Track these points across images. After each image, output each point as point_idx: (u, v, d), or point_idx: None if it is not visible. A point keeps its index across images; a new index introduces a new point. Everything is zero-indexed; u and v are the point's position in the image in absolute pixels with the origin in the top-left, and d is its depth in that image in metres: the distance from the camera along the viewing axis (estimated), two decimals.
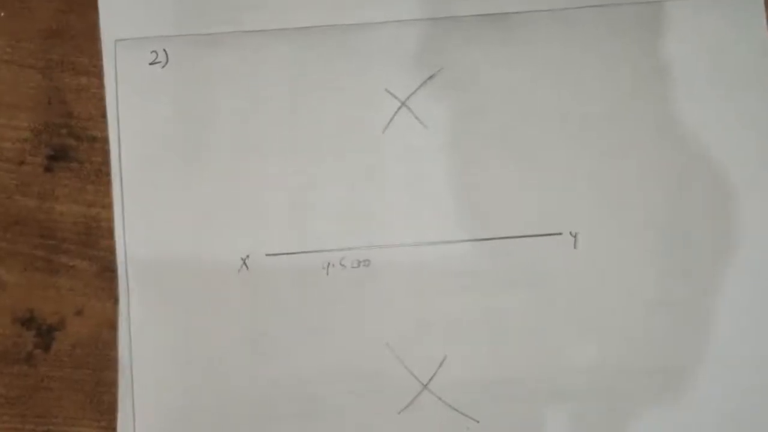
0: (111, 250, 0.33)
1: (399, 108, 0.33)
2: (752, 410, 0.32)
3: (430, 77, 0.33)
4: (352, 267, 0.32)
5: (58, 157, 0.33)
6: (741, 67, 0.33)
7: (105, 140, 0.33)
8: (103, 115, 0.33)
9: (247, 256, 0.32)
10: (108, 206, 0.33)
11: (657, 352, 0.32)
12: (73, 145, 0.33)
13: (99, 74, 0.33)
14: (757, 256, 0.32)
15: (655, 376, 0.32)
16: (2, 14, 0.34)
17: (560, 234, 0.32)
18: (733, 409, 0.32)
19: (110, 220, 0.33)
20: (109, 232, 0.33)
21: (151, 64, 0.33)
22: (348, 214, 0.32)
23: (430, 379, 0.32)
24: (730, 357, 0.32)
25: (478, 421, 0.32)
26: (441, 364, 0.32)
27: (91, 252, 0.33)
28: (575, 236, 0.32)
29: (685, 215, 0.33)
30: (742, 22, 0.33)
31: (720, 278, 0.32)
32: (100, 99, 0.33)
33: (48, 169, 0.33)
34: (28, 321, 0.33)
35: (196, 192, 0.33)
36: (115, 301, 0.33)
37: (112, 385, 0.32)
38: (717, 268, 0.32)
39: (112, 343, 0.32)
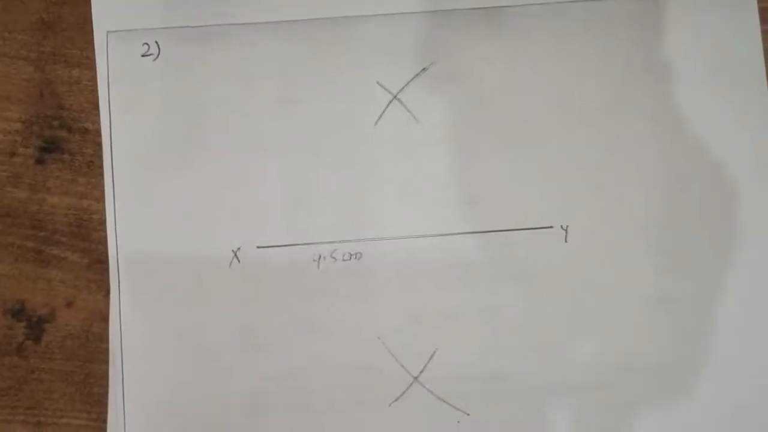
0: (102, 243, 0.33)
1: (391, 101, 0.33)
2: (752, 409, 0.32)
3: (423, 70, 0.33)
4: (344, 260, 0.32)
5: (49, 148, 0.33)
6: (735, 63, 0.33)
7: (97, 132, 0.33)
8: (95, 107, 0.33)
9: (239, 249, 0.32)
10: (99, 198, 0.33)
11: (651, 348, 0.32)
12: (64, 137, 0.33)
13: (91, 66, 0.33)
14: (755, 253, 0.32)
15: (649, 372, 0.32)
16: None
17: (551, 227, 0.32)
18: (732, 407, 0.32)
19: (101, 212, 0.33)
20: (101, 224, 0.33)
21: (142, 56, 0.33)
22: (339, 207, 0.32)
23: (421, 372, 0.32)
24: (729, 355, 0.32)
25: (468, 414, 0.32)
26: (432, 357, 0.32)
27: (82, 244, 0.33)
28: (566, 230, 0.32)
29: (678, 211, 0.33)
30: (737, 19, 0.33)
31: (717, 275, 0.32)
32: (92, 91, 0.33)
33: (39, 161, 0.33)
34: (18, 312, 0.33)
35: (187, 184, 0.33)
36: (106, 293, 0.32)
37: (102, 378, 0.32)
38: (713, 264, 0.32)
39: (102, 336, 0.32)
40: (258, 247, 0.32)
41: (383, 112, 0.33)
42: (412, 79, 0.33)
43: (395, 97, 0.33)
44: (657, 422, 0.32)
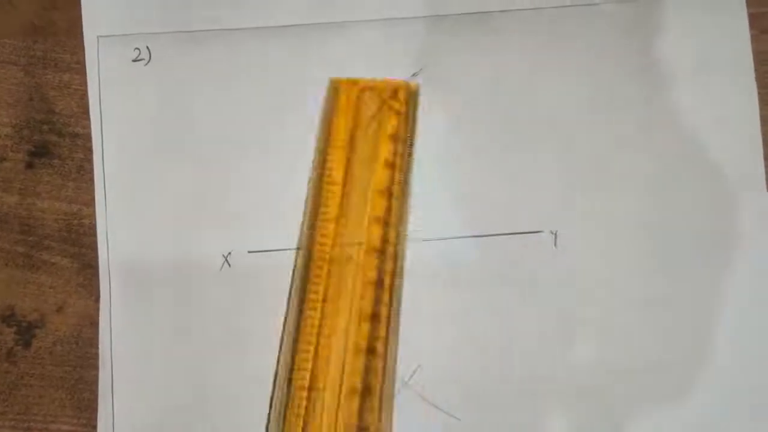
0: (92, 248, 0.33)
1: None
2: (748, 410, 0.32)
3: (414, 75, 0.33)
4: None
5: (39, 153, 0.33)
6: (725, 67, 0.33)
7: (87, 137, 0.33)
8: (85, 112, 0.33)
9: (229, 254, 0.32)
10: (89, 203, 0.33)
11: (644, 351, 0.32)
12: (54, 142, 0.33)
13: (81, 71, 0.33)
14: (749, 253, 0.32)
15: (642, 375, 0.32)
16: None
17: (540, 232, 0.32)
18: (729, 408, 0.32)
19: (92, 217, 0.33)
20: (91, 229, 0.33)
21: (133, 61, 0.33)
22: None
23: (411, 377, 0.32)
24: (725, 356, 0.32)
25: (459, 419, 0.32)
26: (422, 362, 0.32)
27: (73, 249, 0.33)
28: (555, 234, 0.32)
29: (669, 214, 0.33)
30: (726, 23, 0.33)
31: (710, 276, 0.32)
32: (82, 96, 0.33)
33: (29, 166, 0.33)
34: (8, 318, 0.33)
35: (178, 189, 0.33)
36: (96, 298, 0.32)
37: (92, 383, 0.32)
38: (707, 265, 0.32)
39: (92, 341, 0.32)
40: (249, 251, 0.32)
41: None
42: None
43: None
44: (651, 425, 0.32)
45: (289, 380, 0.31)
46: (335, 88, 0.33)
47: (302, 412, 0.31)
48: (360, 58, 0.33)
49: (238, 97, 0.33)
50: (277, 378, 0.31)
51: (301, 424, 0.30)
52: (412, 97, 0.33)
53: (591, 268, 0.32)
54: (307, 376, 0.31)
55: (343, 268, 0.32)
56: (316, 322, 0.31)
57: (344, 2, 0.33)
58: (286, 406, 0.31)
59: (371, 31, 0.33)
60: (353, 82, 0.33)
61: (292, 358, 0.31)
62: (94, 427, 0.32)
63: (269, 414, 0.31)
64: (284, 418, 0.31)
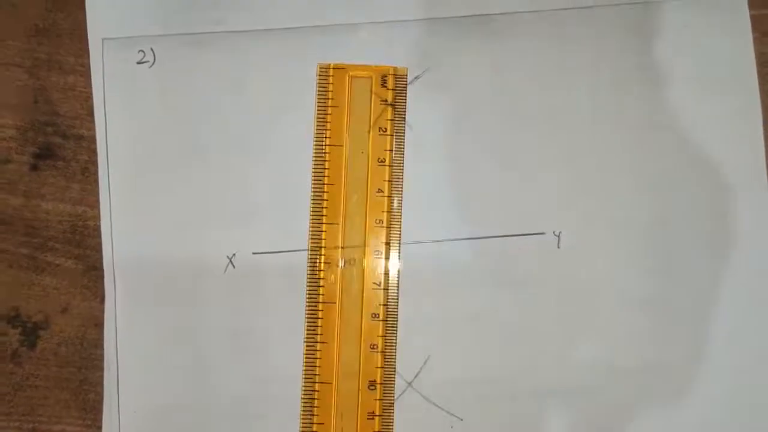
0: (97, 249, 0.33)
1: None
2: (747, 410, 0.32)
3: (415, 78, 0.33)
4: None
5: (44, 155, 0.33)
6: (727, 68, 0.33)
7: (91, 139, 0.33)
8: (90, 114, 0.33)
9: (234, 255, 0.32)
10: (94, 205, 0.33)
11: (645, 351, 0.32)
12: (59, 144, 0.33)
13: (86, 73, 0.33)
14: (749, 254, 0.32)
15: (643, 376, 0.32)
16: None
17: (543, 234, 0.33)
18: (728, 409, 0.32)
19: (96, 218, 0.33)
20: (95, 231, 0.33)
21: (138, 63, 0.33)
22: None
23: (415, 377, 0.32)
24: (725, 356, 0.32)
25: (462, 419, 0.32)
26: (425, 363, 0.32)
27: (77, 250, 0.33)
28: (558, 236, 0.33)
29: (671, 215, 0.33)
30: (728, 24, 0.33)
31: (711, 277, 0.32)
32: (87, 98, 0.33)
33: (34, 168, 0.33)
34: (13, 319, 0.33)
35: (182, 190, 0.33)
36: (101, 299, 0.33)
37: (97, 384, 0.32)
38: (707, 267, 0.32)
39: (97, 342, 0.32)
40: (253, 253, 0.32)
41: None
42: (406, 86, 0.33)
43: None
44: (651, 425, 0.32)
45: (310, 378, 0.31)
46: (324, 75, 0.33)
47: (322, 404, 0.31)
48: (362, 61, 0.33)
49: (241, 99, 0.33)
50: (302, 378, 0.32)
51: (324, 416, 0.31)
52: (400, 82, 0.33)
53: (594, 269, 0.32)
54: (324, 374, 0.31)
55: (348, 270, 0.32)
56: (329, 323, 0.31)
57: (346, 5, 0.33)
58: (312, 402, 0.31)
59: (373, 34, 0.33)
60: (342, 68, 0.33)
61: (310, 356, 0.31)
62: (99, 428, 0.32)
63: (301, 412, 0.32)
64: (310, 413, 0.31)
